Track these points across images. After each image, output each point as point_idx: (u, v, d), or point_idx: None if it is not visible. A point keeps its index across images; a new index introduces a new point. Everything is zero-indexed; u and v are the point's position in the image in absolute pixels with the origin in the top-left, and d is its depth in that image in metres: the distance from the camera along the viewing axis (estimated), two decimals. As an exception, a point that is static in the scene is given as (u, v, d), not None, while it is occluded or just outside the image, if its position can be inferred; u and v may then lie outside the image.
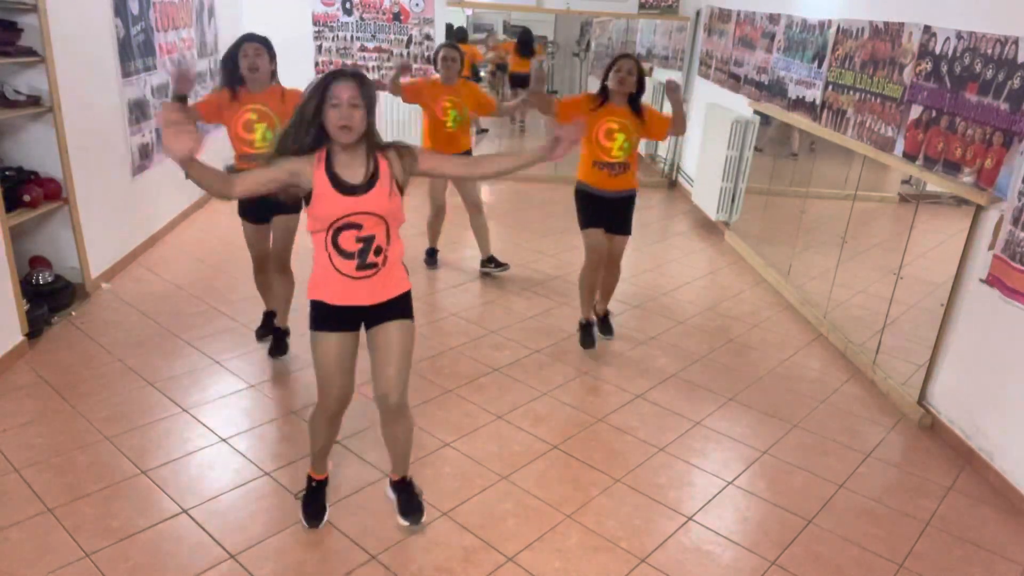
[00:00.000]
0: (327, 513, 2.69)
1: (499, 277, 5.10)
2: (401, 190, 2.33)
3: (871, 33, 4.23)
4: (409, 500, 2.71)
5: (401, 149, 2.35)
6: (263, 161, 2.30)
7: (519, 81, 10.40)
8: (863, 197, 4.38)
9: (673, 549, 2.66)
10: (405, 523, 2.66)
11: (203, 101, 3.55)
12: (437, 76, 4.76)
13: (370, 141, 2.28)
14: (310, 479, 2.71)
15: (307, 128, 2.22)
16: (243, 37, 3.48)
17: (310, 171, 2.24)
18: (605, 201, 3.88)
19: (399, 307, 2.42)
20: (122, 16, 4.78)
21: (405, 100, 4.75)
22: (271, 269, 3.77)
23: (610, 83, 3.69)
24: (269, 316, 3.98)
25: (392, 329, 2.40)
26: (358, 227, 2.26)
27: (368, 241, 2.28)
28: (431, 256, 5.25)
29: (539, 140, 10.00)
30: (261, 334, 4.00)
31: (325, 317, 2.37)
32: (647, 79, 3.94)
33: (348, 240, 2.27)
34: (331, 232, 2.26)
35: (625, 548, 2.64)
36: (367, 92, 2.20)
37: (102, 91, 4.58)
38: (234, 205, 3.54)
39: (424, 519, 2.70)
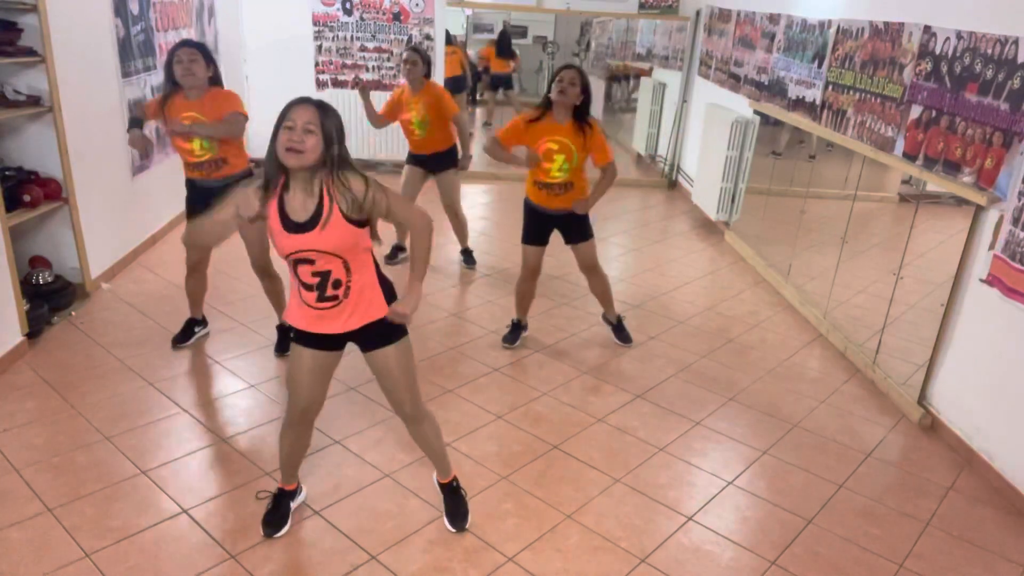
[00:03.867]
0: (288, 525, 2.63)
1: (500, 277, 5.10)
2: (361, 223, 2.20)
3: (871, 33, 4.23)
4: (454, 505, 2.70)
5: (357, 186, 2.16)
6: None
7: (500, 81, 10.75)
8: (863, 197, 4.38)
9: (673, 549, 2.66)
10: (451, 529, 2.66)
11: (149, 103, 3.62)
12: (405, 84, 4.77)
13: (325, 174, 2.15)
14: (278, 489, 2.68)
15: (270, 156, 2.14)
16: (179, 43, 3.47)
17: (257, 203, 2.12)
18: (551, 218, 3.86)
19: (387, 329, 2.36)
20: (122, 16, 4.78)
21: (391, 122, 4.82)
22: (259, 274, 3.74)
23: (552, 94, 3.58)
24: (192, 323, 3.94)
25: (389, 353, 2.38)
26: (311, 262, 2.20)
27: (324, 276, 2.21)
28: (394, 252, 5.30)
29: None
30: (179, 341, 3.88)
31: (300, 336, 2.37)
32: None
33: (305, 273, 2.22)
34: (290, 263, 2.24)
35: (625, 548, 2.64)
36: (329, 122, 2.11)
37: (102, 91, 4.58)
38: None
39: (425, 519, 2.71)
